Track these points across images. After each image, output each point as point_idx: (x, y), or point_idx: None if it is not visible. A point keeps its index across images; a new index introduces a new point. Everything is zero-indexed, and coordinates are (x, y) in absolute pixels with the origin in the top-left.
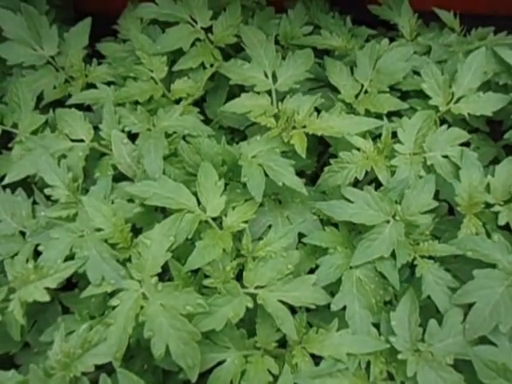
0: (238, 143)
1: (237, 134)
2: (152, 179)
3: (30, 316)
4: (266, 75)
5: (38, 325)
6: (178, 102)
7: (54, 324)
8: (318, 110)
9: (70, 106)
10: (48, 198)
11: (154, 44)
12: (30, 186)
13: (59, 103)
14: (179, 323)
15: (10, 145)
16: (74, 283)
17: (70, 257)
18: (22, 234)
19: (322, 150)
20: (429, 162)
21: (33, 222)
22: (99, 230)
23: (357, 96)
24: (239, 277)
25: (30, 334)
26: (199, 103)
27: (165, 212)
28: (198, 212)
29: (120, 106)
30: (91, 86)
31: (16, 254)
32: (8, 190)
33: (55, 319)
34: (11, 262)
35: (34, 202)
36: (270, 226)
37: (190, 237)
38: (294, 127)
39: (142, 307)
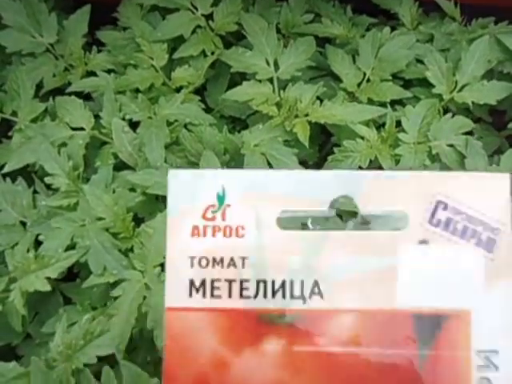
0: (239, 132)
1: (238, 123)
2: (154, 168)
3: (31, 307)
4: (268, 63)
5: (39, 316)
6: (178, 90)
7: (55, 315)
8: (320, 100)
9: (70, 94)
10: (49, 187)
11: (154, 31)
12: (30, 175)
13: (59, 91)
14: None
15: (9, 133)
16: (75, 274)
17: (72, 246)
18: (23, 223)
19: (324, 139)
20: (434, 151)
21: (33, 212)
22: (100, 219)
23: (359, 85)
24: None
25: (31, 325)
26: (200, 92)
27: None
28: None
29: (120, 94)
30: (91, 74)
31: (17, 244)
32: (8, 180)
33: (57, 310)
34: (12, 251)
35: (35, 192)
36: None
37: None
38: (296, 115)
39: (144, 298)
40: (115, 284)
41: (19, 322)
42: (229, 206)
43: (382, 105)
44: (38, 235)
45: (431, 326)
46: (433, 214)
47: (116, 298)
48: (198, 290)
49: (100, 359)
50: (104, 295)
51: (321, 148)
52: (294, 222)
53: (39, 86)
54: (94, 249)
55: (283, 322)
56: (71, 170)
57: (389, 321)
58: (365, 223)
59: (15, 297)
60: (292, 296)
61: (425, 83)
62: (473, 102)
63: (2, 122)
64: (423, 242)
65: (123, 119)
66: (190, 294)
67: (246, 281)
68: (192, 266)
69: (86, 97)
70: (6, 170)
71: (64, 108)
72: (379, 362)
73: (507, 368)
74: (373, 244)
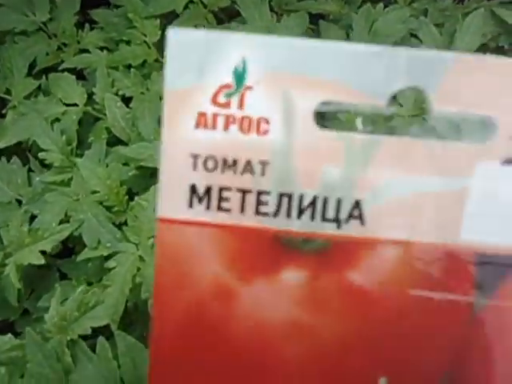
0: None
1: None
2: (147, 142)
3: (28, 283)
4: None
5: (36, 292)
6: None
7: (52, 290)
8: None
9: (63, 72)
10: (43, 165)
11: (146, 7)
12: (25, 154)
13: (52, 70)
14: None
15: (3, 111)
16: (71, 250)
17: (66, 221)
18: (19, 202)
19: None
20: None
21: (29, 190)
22: (94, 192)
23: None
24: None
25: (28, 302)
26: None
27: None
28: None
29: (113, 70)
30: (84, 51)
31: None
32: (3, 159)
33: (53, 286)
34: (7, 228)
35: (30, 170)
36: None
37: None
38: None
39: (138, 269)
40: (109, 257)
41: (15, 296)
42: (250, 88)
43: None
44: (33, 212)
45: (498, 270)
46: None
47: (110, 270)
48: (200, 200)
49: (95, 331)
50: (99, 270)
51: None
52: (338, 119)
53: (32, 66)
54: (87, 222)
55: (309, 249)
56: (64, 144)
57: (445, 259)
58: (435, 129)
59: (10, 271)
60: (324, 218)
61: None
62: None
63: None
64: (510, 161)
65: (116, 95)
66: (191, 204)
67: (266, 193)
68: (195, 167)
69: (79, 76)
70: None
71: (57, 84)
72: (423, 309)
73: None
74: (441, 158)
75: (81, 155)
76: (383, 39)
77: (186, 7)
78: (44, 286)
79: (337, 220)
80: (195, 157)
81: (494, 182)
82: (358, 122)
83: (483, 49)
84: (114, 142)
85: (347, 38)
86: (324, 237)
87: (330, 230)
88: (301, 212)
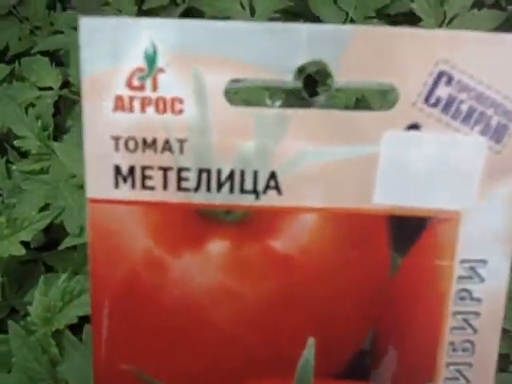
0: None
1: None
2: None
3: (14, 280)
4: (243, 6)
5: (23, 289)
6: None
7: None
8: None
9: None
10: (22, 155)
11: None
12: (2, 145)
13: (26, 55)
14: None
15: None
16: (56, 242)
17: (46, 209)
18: None
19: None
20: None
21: (8, 183)
22: (73, 176)
23: None
24: None
25: (16, 299)
26: None
27: None
28: None
29: None
30: (58, 33)
31: None
32: None
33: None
34: None
35: (9, 162)
36: None
37: None
38: None
39: None
40: None
41: None
42: (161, 70)
43: None
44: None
45: (410, 230)
46: (432, 90)
47: None
48: (125, 180)
49: (82, 318)
50: (85, 259)
51: None
52: (248, 96)
53: (3, 53)
54: (68, 208)
55: (230, 221)
56: (40, 130)
57: (359, 222)
58: (340, 99)
59: None
60: (242, 190)
61: (411, 18)
62: None
63: None
64: (414, 126)
65: None
66: (117, 184)
67: (185, 169)
68: (117, 149)
69: (56, 60)
70: None
71: (30, 68)
72: (343, 271)
73: (495, 280)
74: (348, 127)
75: (60, 141)
76: (372, 1)
77: None
78: (30, 281)
79: (255, 191)
80: (116, 139)
81: (401, 148)
82: (267, 97)
83: (479, 6)
84: None
85: (335, 3)
86: (244, 208)
87: (248, 201)
88: (220, 186)
